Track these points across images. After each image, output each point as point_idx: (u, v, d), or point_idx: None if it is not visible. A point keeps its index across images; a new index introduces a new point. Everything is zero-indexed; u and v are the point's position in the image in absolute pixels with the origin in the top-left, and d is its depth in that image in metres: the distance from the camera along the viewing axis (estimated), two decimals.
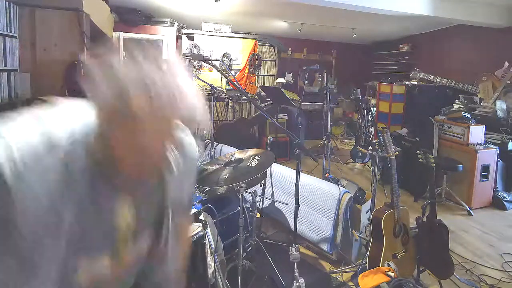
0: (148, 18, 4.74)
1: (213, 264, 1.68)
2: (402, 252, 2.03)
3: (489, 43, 4.53)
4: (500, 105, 3.71)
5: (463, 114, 3.60)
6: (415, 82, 5.12)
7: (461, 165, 3.19)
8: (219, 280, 1.68)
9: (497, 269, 2.29)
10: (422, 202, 3.32)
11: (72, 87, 2.62)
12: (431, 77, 4.94)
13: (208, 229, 1.70)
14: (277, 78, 6.12)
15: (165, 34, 4.88)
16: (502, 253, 2.50)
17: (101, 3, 3.51)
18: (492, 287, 2.11)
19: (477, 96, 4.23)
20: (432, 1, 3.76)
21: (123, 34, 4.07)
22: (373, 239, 2.03)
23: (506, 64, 3.97)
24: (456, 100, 4.29)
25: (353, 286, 2.06)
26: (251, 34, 5.80)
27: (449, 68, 5.14)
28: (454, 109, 4.13)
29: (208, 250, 1.68)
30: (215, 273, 1.68)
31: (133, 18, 4.48)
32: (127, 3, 4.34)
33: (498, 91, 3.93)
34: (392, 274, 1.83)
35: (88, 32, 2.81)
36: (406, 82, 5.22)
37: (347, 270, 2.21)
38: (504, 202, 3.34)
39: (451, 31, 5.14)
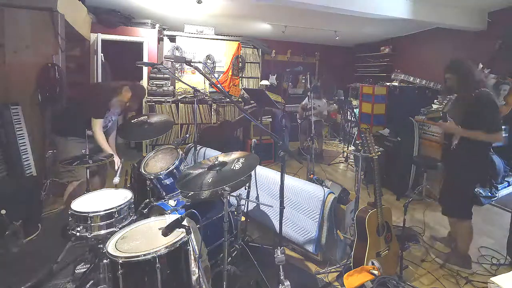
0: (127, 19, 4.63)
1: (197, 271, 1.64)
2: (386, 250, 2.06)
3: (464, 46, 4.72)
4: None
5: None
6: (396, 84, 5.25)
7: (440, 163, 3.29)
8: (204, 286, 1.64)
9: (473, 262, 2.37)
10: (404, 200, 3.40)
11: (46, 92, 2.51)
12: (411, 78, 5.08)
13: (192, 234, 1.66)
14: (261, 80, 6.13)
15: (145, 36, 4.78)
16: (478, 247, 2.59)
17: (77, 3, 3.40)
18: (466, 279, 2.18)
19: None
20: (411, 5, 3.87)
21: (101, 36, 3.95)
22: (357, 239, 2.05)
23: (480, 65, 4.14)
24: (435, 101, 4.43)
25: (339, 286, 2.07)
26: (234, 36, 5.79)
27: (428, 69, 5.31)
28: (433, 109, 4.26)
29: (192, 257, 1.63)
30: (199, 279, 1.64)
31: (112, 19, 4.36)
32: (105, 4, 4.22)
33: None
34: (376, 272, 1.85)
35: (63, 33, 2.71)
36: (388, 84, 5.35)
37: (332, 270, 2.22)
38: (480, 198, 3.47)
39: (429, 33, 5.32)
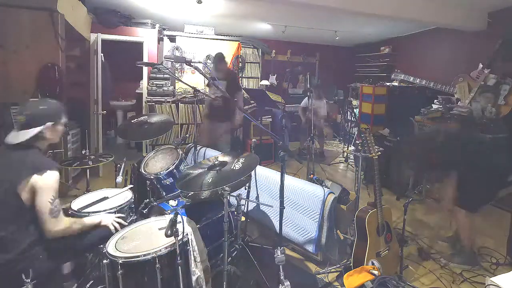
0: (127, 19, 4.62)
1: (197, 271, 1.64)
2: (386, 250, 2.06)
3: (465, 46, 4.72)
4: (476, 106, 3.87)
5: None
6: (396, 84, 5.25)
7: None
8: (204, 287, 1.64)
9: None
10: (404, 200, 3.40)
11: (46, 92, 2.51)
12: (411, 79, 5.08)
13: (192, 235, 1.66)
14: (261, 80, 6.12)
15: (145, 36, 4.78)
16: (478, 247, 2.58)
17: (77, 3, 3.40)
18: (464, 278, 2.19)
19: (454, 96, 4.39)
20: (412, 4, 3.87)
21: (101, 36, 3.94)
22: (357, 239, 2.05)
23: (480, 65, 4.14)
24: (435, 101, 4.43)
25: (339, 286, 2.07)
26: (234, 36, 5.79)
27: (428, 69, 5.31)
28: (433, 109, 4.26)
29: (192, 257, 1.64)
30: (199, 280, 1.64)
31: (111, 19, 4.36)
32: (105, 4, 4.22)
33: (473, 92, 4.09)
34: (376, 272, 1.85)
35: (63, 33, 2.71)
36: (388, 84, 5.35)
37: (332, 270, 2.22)
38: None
39: (429, 33, 5.32)
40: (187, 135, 4.51)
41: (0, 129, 2.55)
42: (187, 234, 1.59)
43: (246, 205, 2.46)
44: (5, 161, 1.40)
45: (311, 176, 3.08)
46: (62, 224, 1.42)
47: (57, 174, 1.40)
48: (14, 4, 2.48)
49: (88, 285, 1.79)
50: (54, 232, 1.40)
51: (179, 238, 1.41)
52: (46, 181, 1.36)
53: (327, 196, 2.24)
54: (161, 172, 2.22)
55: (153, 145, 4.79)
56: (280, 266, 1.67)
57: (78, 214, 1.76)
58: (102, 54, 4.04)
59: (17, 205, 1.34)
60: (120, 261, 1.38)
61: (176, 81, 5.09)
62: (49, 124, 1.46)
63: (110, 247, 1.46)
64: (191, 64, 2.01)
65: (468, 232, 2.36)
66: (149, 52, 4.85)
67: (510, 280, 1.17)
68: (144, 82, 4.96)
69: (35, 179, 1.34)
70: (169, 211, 1.97)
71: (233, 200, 2.15)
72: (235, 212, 2.10)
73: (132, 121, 2.53)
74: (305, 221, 2.31)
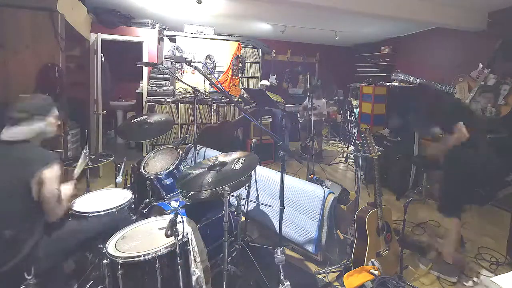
0: (127, 19, 4.62)
1: (197, 271, 1.64)
2: (386, 250, 2.06)
3: (464, 46, 4.72)
4: (476, 106, 3.87)
5: None
6: (396, 84, 5.25)
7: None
8: (204, 287, 1.64)
9: (473, 262, 2.38)
10: (404, 200, 3.40)
11: (46, 92, 2.51)
12: (411, 78, 5.08)
13: (192, 235, 1.66)
14: (261, 80, 6.12)
15: (145, 36, 4.78)
16: (478, 247, 2.58)
17: (77, 3, 3.40)
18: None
19: (454, 96, 4.39)
20: (412, 4, 3.87)
21: (101, 36, 3.95)
22: (357, 239, 2.05)
23: (480, 65, 4.14)
24: None
25: (339, 286, 2.07)
26: (234, 36, 5.79)
27: (428, 69, 5.31)
28: None
29: (192, 257, 1.64)
30: (199, 280, 1.64)
31: (111, 19, 4.36)
32: (105, 4, 4.22)
33: (473, 92, 4.09)
34: (376, 272, 1.85)
35: (63, 33, 2.71)
36: (388, 84, 5.35)
37: (332, 270, 2.22)
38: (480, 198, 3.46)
39: (429, 33, 5.32)
40: (187, 135, 4.51)
41: (0, 129, 2.55)
42: (187, 234, 1.60)
43: (246, 205, 2.46)
44: (7, 160, 1.41)
45: (311, 176, 3.08)
46: (64, 206, 1.54)
47: (59, 164, 1.47)
48: (14, 4, 2.48)
49: (88, 285, 1.79)
50: (59, 216, 1.51)
51: (179, 238, 1.41)
52: (53, 172, 1.42)
53: (327, 196, 2.24)
54: (161, 172, 2.22)
55: (153, 145, 4.79)
56: (280, 266, 1.67)
57: (79, 215, 1.76)
58: (102, 54, 4.04)
59: (29, 201, 1.38)
60: (120, 261, 1.38)
61: (176, 81, 5.09)
62: (43, 117, 1.49)
63: (110, 247, 1.47)
64: (191, 64, 2.00)
65: (451, 241, 2.27)
66: (149, 52, 4.85)
67: (510, 280, 1.17)
68: (144, 82, 4.96)
69: (44, 171, 1.39)
70: (169, 211, 1.97)
71: (233, 200, 2.15)
72: (235, 212, 2.10)
73: (132, 121, 2.53)
74: (305, 221, 2.31)
